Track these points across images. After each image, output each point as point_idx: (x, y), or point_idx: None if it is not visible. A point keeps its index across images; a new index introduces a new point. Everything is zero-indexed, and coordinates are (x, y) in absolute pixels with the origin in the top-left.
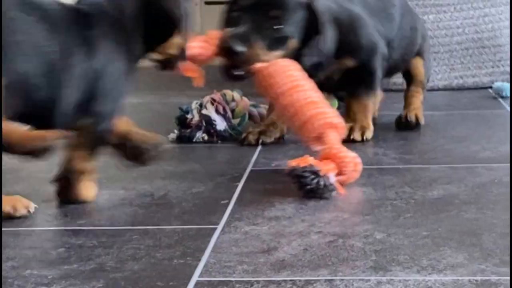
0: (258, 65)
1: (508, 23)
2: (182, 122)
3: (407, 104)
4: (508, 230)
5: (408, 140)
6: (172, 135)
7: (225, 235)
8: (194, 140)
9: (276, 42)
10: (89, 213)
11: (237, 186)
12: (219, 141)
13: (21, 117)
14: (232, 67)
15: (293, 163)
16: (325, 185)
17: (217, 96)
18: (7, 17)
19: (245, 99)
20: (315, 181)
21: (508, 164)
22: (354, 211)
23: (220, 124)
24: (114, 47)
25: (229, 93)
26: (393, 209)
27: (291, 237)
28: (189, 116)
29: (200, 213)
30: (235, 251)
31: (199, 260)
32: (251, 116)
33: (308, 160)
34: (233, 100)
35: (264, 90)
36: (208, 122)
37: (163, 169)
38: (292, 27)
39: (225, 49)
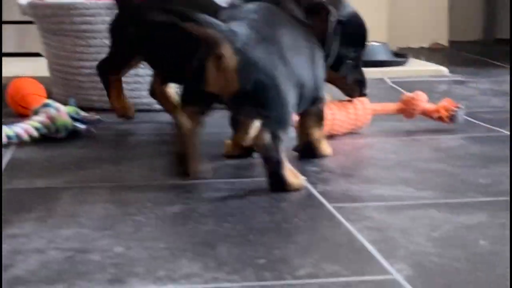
0: None
1: None
2: None
3: None
4: (241, 240)
5: (153, 159)
6: None
7: None
8: None
9: None
10: None
11: None
12: None
13: None
14: None
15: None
16: None
17: None
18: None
19: None
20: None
21: (248, 179)
22: (95, 226)
23: None
24: None
25: None
26: (134, 224)
27: (28, 254)
28: None
29: None
30: None
31: None
32: None
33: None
34: None
35: None
36: None
37: None
38: None
39: None
